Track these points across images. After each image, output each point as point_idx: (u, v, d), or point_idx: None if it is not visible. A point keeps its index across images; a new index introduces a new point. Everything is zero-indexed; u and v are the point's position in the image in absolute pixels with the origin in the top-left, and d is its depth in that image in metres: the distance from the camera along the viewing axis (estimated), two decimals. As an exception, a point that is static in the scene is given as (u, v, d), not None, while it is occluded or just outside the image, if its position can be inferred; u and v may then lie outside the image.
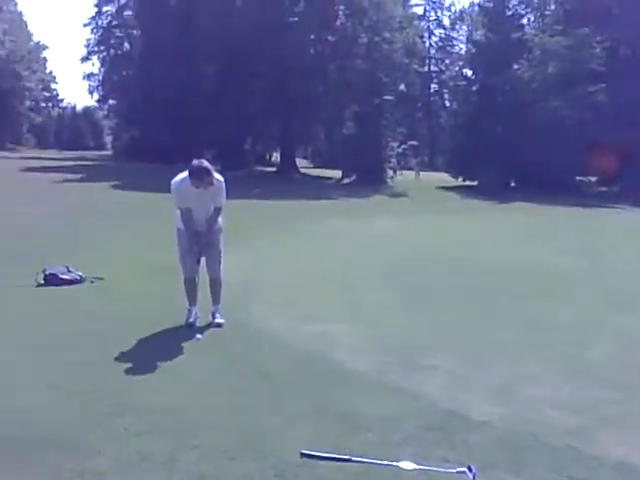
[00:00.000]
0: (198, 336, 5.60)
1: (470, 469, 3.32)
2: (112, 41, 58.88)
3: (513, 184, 35.08)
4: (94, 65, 61.74)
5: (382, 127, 35.21)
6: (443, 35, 66.92)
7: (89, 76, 62.98)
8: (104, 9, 57.71)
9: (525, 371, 5.07)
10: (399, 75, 38.99)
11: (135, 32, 51.48)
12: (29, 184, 24.11)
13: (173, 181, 5.95)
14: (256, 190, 25.07)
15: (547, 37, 33.59)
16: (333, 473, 3.30)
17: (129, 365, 4.84)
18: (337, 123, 39.59)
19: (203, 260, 6.18)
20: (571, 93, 31.08)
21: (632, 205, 25.76)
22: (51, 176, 27.91)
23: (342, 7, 37.69)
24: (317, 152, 56.02)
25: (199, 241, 6.00)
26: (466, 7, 63.60)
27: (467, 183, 36.05)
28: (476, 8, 43.75)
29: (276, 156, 51.44)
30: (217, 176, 5.91)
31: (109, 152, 60.96)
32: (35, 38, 67.48)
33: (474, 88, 38.11)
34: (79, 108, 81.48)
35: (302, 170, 42.20)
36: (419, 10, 60.95)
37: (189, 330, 5.85)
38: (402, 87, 41.82)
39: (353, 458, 3.41)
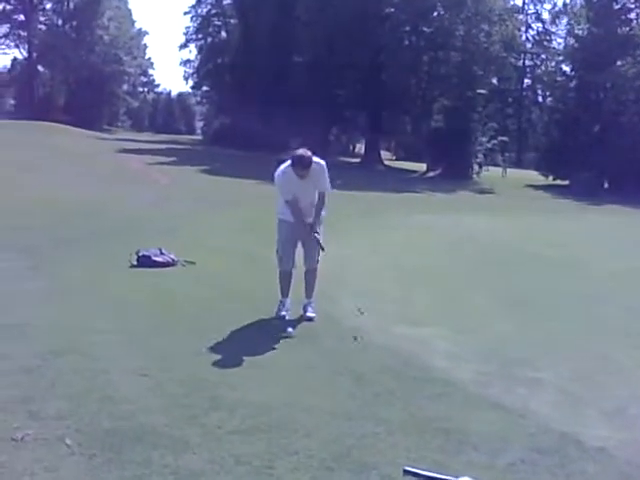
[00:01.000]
0: (289, 330, 5.45)
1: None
2: (210, 29, 59.94)
3: (606, 185, 33.39)
4: (191, 52, 63.23)
5: (472, 121, 34.35)
6: (541, 29, 64.44)
7: (185, 63, 64.51)
8: (204, -3, 58.86)
9: (643, 394, 4.64)
10: (494, 69, 37.80)
11: (233, 21, 52.29)
12: (123, 166, 24.81)
13: (276, 173, 5.83)
14: (339, 181, 24.79)
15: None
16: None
17: (220, 356, 4.73)
18: (425, 116, 38.87)
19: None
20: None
21: None
22: (144, 158, 28.71)
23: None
24: (401, 144, 55.21)
25: (303, 232, 5.85)
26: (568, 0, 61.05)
27: (558, 182, 34.70)
28: (579, 0, 41.78)
29: (360, 147, 51.15)
30: (316, 159, 5.74)
31: (199, 137, 62.33)
32: (137, 25, 69.82)
33: (572, 84, 36.57)
34: (174, 94, 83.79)
35: (386, 162, 41.79)
36: (518, 2, 58.97)
37: (280, 322, 5.71)
38: (494, 81, 40.55)
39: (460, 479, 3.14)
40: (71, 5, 58.80)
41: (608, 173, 32.82)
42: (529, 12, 63.34)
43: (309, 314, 5.89)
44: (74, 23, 58.63)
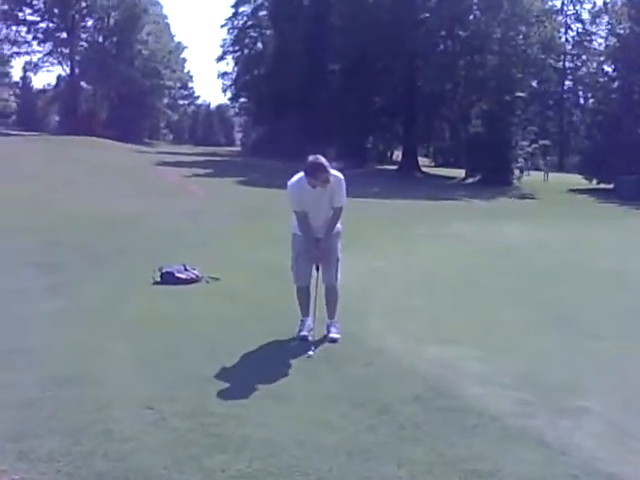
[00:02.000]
0: (310, 352, 5.08)
1: None
2: (246, 41, 60.38)
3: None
4: (228, 64, 63.88)
5: (512, 125, 33.56)
6: (581, 29, 62.97)
7: (223, 75, 65.14)
8: (240, 9, 59.25)
9: None
10: (533, 71, 36.96)
11: (268, 32, 52.54)
12: (159, 179, 24.91)
13: (289, 182, 5.48)
14: (375, 189, 24.47)
15: None
16: None
17: (232, 384, 4.41)
18: (463, 121, 38.21)
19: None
20: None
21: None
22: (182, 170, 28.82)
23: (476, 1, 36.26)
24: (439, 150, 54.50)
25: (316, 247, 5.48)
26: (609, -1, 59.49)
27: (602, 186, 33.57)
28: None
29: (397, 154, 50.67)
30: (334, 172, 5.37)
31: (238, 148, 62.69)
32: (176, 39, 70.80)
33: (615, 85, 35.45)
34: (213, 106, 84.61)
35: (423, 169, 41.21)
36: (557, 3, 57.75)
37: (301, 344, 5.36)
38: (534, 83, 39.68)
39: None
40: (111, 21, 59.98)
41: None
42: (568, 13, 62.19)
43: (332, 335, 5.52)
44: (114, 39, 59.79)
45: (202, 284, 7.69)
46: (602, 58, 40.18)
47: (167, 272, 7.70)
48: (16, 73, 68.64)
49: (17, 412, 3.83)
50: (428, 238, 12.26)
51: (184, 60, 73.88)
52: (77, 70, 59.56)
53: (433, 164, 51.02)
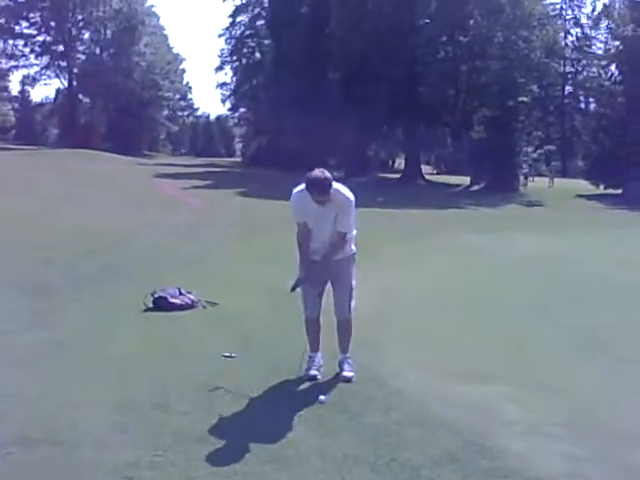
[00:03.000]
0: (321, 398, 4.38)
1: None
2: (244, 50, 59.95)
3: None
4: (227, 74, 63.37)
5: (516, 131, 32.96)
6: (580, 34, 62.46)
7: (222, 85, 64.63)
8: (238, 19, 58.78)
9: None
10: (536, 75, 36.35)
11: (266, 41, 52.04)
12: (157, 191, 24.30)
13: (294, 190, 4.80)
14: (380, 198, 23.79)
15: None
16: None
17: (228, 442, 3.73)
18: (466, 128, 37.62)
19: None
20: None
21: None
22: (180, 182, 28.23)
23: (477, 5, 35.69)
24: (441, 158, 53.88)
25: (323, 271, 4.79)
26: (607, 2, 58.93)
27: (610, 191, 32.93)
28: (620, 3, 40.18)
29: (399, 162, 50.06)
30: (344, 191, 4.67)
31: (238, 159, 62.16)
32: (174, 50, 70.37)
33: (620, 88, 34.86)
34: (212, 117, 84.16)
35: (427, 177, 40.58)
36: (556, 7, 57.20)
37: (310, 386, 4.67)
38: (535, 88, 39.02)
39: None
40: (108, 33, 59.64)
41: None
42: (567, 18, 61.73)
43: (346, 373, 4.81)
44: (111, 51, 59.36)
45: (198, 310, 7.02)
46: (605, 62, 39.59)
47: (160, 297, 7.02)
48: (14, 87, 68.22)
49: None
50: (441, 251, 11.53)
51: (183, 71, 73.51)
52: (75, 83, 59.24)
53: (436, 172, 50.41)
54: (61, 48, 58.00)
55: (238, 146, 74.89)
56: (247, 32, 59.24)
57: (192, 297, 7.19)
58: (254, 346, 5.56)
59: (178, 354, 5.41)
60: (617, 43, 37.69)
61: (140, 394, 4.45)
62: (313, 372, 4.81)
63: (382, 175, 41.51)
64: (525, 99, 32.76)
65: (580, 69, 59.81)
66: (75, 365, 5.08)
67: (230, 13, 58.46)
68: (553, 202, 28.22)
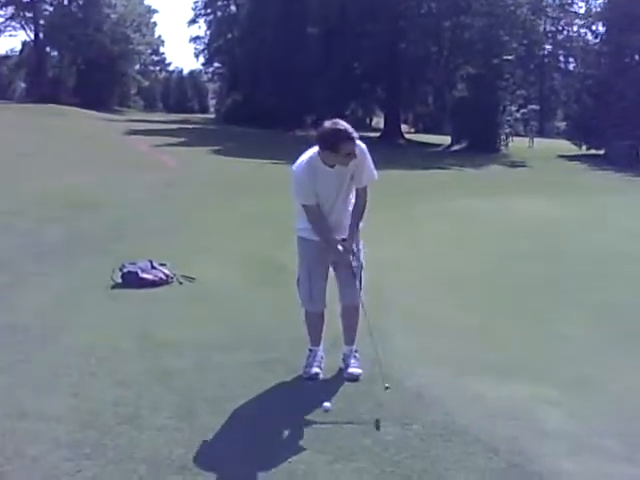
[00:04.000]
0: (326, 405, 3.63)
1: None
2: (219, 3, 57.96)
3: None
4: (200, 28, 61.39)
5: (500, 89, 32.14)
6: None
7: (195, 39, 62.63)
8: (213, -30, 56.60)
9: None
10: (522, 33, 35.37)
11: (242, -7, 50.15)
12: (129, 149, 23.15)
13: (295, 166, 3.90)
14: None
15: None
16: None
17: (216, 470, 2.99)
18: (449, 86, 36.69)
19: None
20: None
21: None
22: (152, 139, 27.05)
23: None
24: (420, 117, 52.75)
25: (335, 255, 3.97)
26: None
27: (592, 152, 32.47)
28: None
29: (377, 121, 48.94)
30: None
31: (212, 115, 60.53)
32: (146, 2, 67.62)
33: (605, 48, 34.10)
34: (185, 72, 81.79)
35: (406, 136, 39.69)
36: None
37: (312, 389, 3.91)
38: (519, 46, 38.03)
39: None
40: (76, -17, 56.95)
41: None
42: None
43: (353, 370, 4.06)
44: (80, 2, 56.76)
45: (173, 286, 6.21)
46: (590, 19, 38.68)
47: (129, 272, 6.20)
48: (-24, 38, 65.28)
49: None
50: (435, 219, 10.66)
51: (154, 24, 70.67)
52: (42, 35, 56.71)
53: (413, 130, 49.42)
54: (26, -2, 55.33)
55: (212, 102, 73.08)
56: (221, -16, 57.19)
57: (166, 271, 6.38)
58: (240, 335, 4.80)
59: (150, 345, 4.59)
60: (601, 0, 36.82)
61: (105, 402, 3.67)
62: (314, 369, 4.06)
63: (360, 134, 40.33)
64: (510, 57, 31.87)
65: (560, 28, 58.79)
66: (28, 362, 4.26)
67: (204, -36, 56.34)
68: (536, 163, 27.67)
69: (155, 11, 70.39)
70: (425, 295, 6.16)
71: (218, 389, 3.87)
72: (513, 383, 4.13)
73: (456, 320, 5.41)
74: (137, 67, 67.20)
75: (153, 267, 6.35)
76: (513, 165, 27.36)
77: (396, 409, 3.69)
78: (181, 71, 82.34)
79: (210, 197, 12.76)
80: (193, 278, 6.35)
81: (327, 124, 3.71)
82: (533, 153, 32.49)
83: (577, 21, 49.60)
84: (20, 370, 4.12)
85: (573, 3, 59.73)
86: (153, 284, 6.15)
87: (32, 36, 57.26)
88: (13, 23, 58.25)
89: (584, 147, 33.51)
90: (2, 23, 58.03)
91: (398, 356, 4.49)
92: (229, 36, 53.86)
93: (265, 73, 38.88)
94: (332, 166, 3.77)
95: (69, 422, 3.42)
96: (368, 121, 53.15)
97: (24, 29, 58.29)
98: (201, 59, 63.53)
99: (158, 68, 78.33)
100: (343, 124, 3.69)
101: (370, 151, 3.98)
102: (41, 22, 56.30)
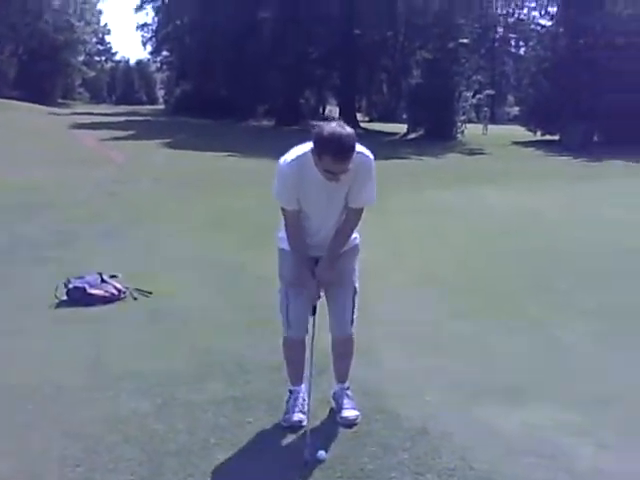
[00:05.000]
0: (321, 454, 3.01)
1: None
2: (167, -12, 56.09)
3: (596, 139, 31.20)
4: (148, 15, 59.74)
5: (456, 75, 31.80)
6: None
7: (143, 27, 60.50)
8: (160, -47, 54.63)
9: None
10: (476, 16, 35.09)
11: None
12: (74, 144, 22.01)
13: (282, 160, 3.13)
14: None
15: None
16: None
17: None
18: (404, 72, 36.27)
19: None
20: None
21: None
22: (99, 133, 25.89)
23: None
24: (374, 105, 52.27)
25: (313, 277, 3.25)
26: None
27: (546, 138, 32.51)
28: None
29: (330, 109, 48.29)
30: (361, 149, 3.08)
31: (161, 106, 58.96)
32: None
33: (561, 29, 34.08)
34: (132, 61, 79.76)
35: (362, 124, 39.20)
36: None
37: (299, 432, 3.27)
38: (474, 29, 37.76)
39: None
40: (14, -32, 54.49)
41: (598, 125, 30.58)
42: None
43: (347, 413, 3.37)
44: (19, -12, 54.38)
45: (127, 302, 5.47)
46: (545, 1, 38.66)
47: (76, 287, 5.44)
48: None
49: None
50: (409, 214, 9.99)
51: (99, 12, 68.59)
52: (-22, 24, 54.19)
53: (367, 119, 48.98)
54: (-40, -17, 52.67)
55: (161, 93, 71.30)
56: (169, -34, 55.33)
57: (118, 285, 5.63)
58: (208, 364, 4.11)
59: (103, 382, 3.85)
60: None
61: (50, 462, 2.96)
62: (296, 416, 3.33)
63: (315, 123, 39.68)
64: (465, 40, 31.54)
65: (511, 11, 59.04)
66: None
67: (150, -54, 54.42)
68: (494, 150, 27.45)
69: (100, -2, 67.89)
70: (410, 302, 5.57)
71: (187, 438, 3.20)
72: (527, 408, 3.58)
73: (449, 331, 4.84)
74: (82, 57, 65.15)
75: (103, 281, 5.59)
76: (471, 153, 27.11)
77: (403, 453, 3.09)
78: (128, 61, 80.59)
79: (163, 194, 11.97)
80: (150, 293, 5.61)
81: (328, 125, 2.95)
82: (488, 140, 32.31)
83: (528, 3, 49.76)
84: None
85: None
86: (104, 300, 5.40)
87: (-33, 26, 54.70)
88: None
89: (539, 133, 33.49)
90: None
91: (392, 378, 3.90)
92: (178, 23, 52.19)
93: (215, 61, 37.80)
94: (330, 178, 3.01)
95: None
96: (321, 110, 52.49)
97: (-41, 19, 55.65)
98: (149, 47, 61.61)
99: (104, 58, 76.38)
100: (343, 136, 2.89)
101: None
102: (-23, 11, 53.78)
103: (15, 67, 56.02)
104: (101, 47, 73.98)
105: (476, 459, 3.05)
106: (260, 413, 3.46)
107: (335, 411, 3.45)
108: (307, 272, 3.21)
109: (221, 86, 37.39)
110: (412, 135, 33.04)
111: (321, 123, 3.00)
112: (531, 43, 41.63)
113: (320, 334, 3.31)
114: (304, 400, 3.39)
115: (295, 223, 3.19)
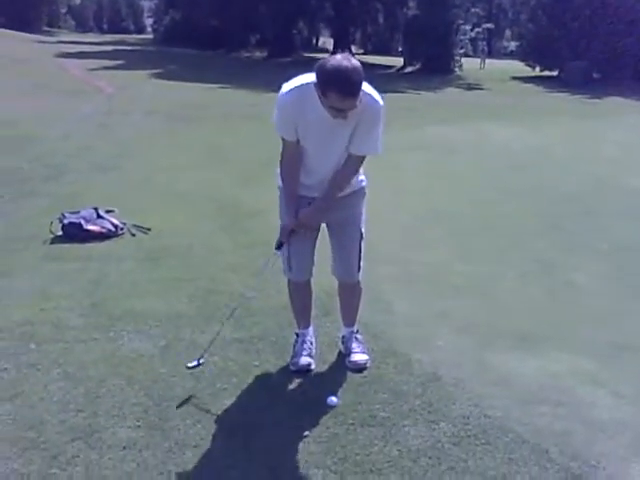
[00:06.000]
0: (332, 399, 2.93)
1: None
2: None
3: (595, 75, 30.63)
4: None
5: (454, 7, 30.87)
6: None
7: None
8: None
9: None
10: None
11: None
12: (61, 74, 21.34)
13: (282, 90, 2.85)
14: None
15: None
16: None
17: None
18: (399, 2, 35.17)
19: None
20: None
21: None
22: (86, 62, 25.11)
23: None
24: (369, 37, 50.89)
25: (322, 215, 3.09)
26: None
27: (545, 73, 31.91)
28: None
29: (324, 41, 47.08)
30: (370, 91, 2.81)
31: (150, 36, 57.25)
32: None
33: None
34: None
35: (357, 57, 38.24)
36: None
37: (308, 377, 3.16)
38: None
39: None
40: None
41: (597, 62, 29.98)
42: None
43: (357, 357, 3.26)
44: None
45: (124, 239, 5.30)
46: None
47: (71, 223, 5.26)
48: None
49: None
50: (411, 151, 9.62)
51: None
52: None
53: (362, 51, 47.79)
54: None
55: (149, 22, 69.19)
56: None
57: (114, 220, 5.45)
58: (211, 304, 3.99)
59: (103, 321, 3.71)
60: None
61: (51, 408, 2.84)
62: (304, 360, 3.23)
63: (308, 55, 38.74)
64: (464, -30, 30.52)
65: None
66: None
67: None
68: (493, 85, 26.95)
69: None
70: (417, 243, 5.43)
71: (193, 382, 3.09)
72: (542, 355, 3.49)
73: (459, 273, 4.71)
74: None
75: (99, 216, 5.40)
76: (470, 88, 26.58)
77: (415, 401, 2.99)
78: (114, -14, 77.60)
79: (156, 127, 11.64)
80: (148, 229, 5.44)
81: (334, 58, 2.65)
82: (486, 75, 31.66)
83: None
84: None
85: None
86: (101, 236, 5.23)
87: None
88: None
89: (538, 68, 32.83)
90: None
91: (401, 325, 3.78)
92: (166, -54, 50.16)
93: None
94: (335, 115, 2.74)
95: (4, 442, 2.61)
96: (315, 41, 51.11)
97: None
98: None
99: (89, -16, 73.66)
100: (349, 69, 2.60)
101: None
102: None
103: (-4, -8, 54.10)
104: (86, -28, 71.40)
105: (490, 406, 2.97)
106: (267, 355, 3.35)
107: (344, 355, 3.34)
108: (292, 211, 3.03)
109: (211, 15, 36.16)
110: (409, 69, 32.34)
111: (328, 57, 2.72)
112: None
113: (321, 275, 3.16)
114: (311, 343, 3.31)
115: (293, 156, 2.97)
